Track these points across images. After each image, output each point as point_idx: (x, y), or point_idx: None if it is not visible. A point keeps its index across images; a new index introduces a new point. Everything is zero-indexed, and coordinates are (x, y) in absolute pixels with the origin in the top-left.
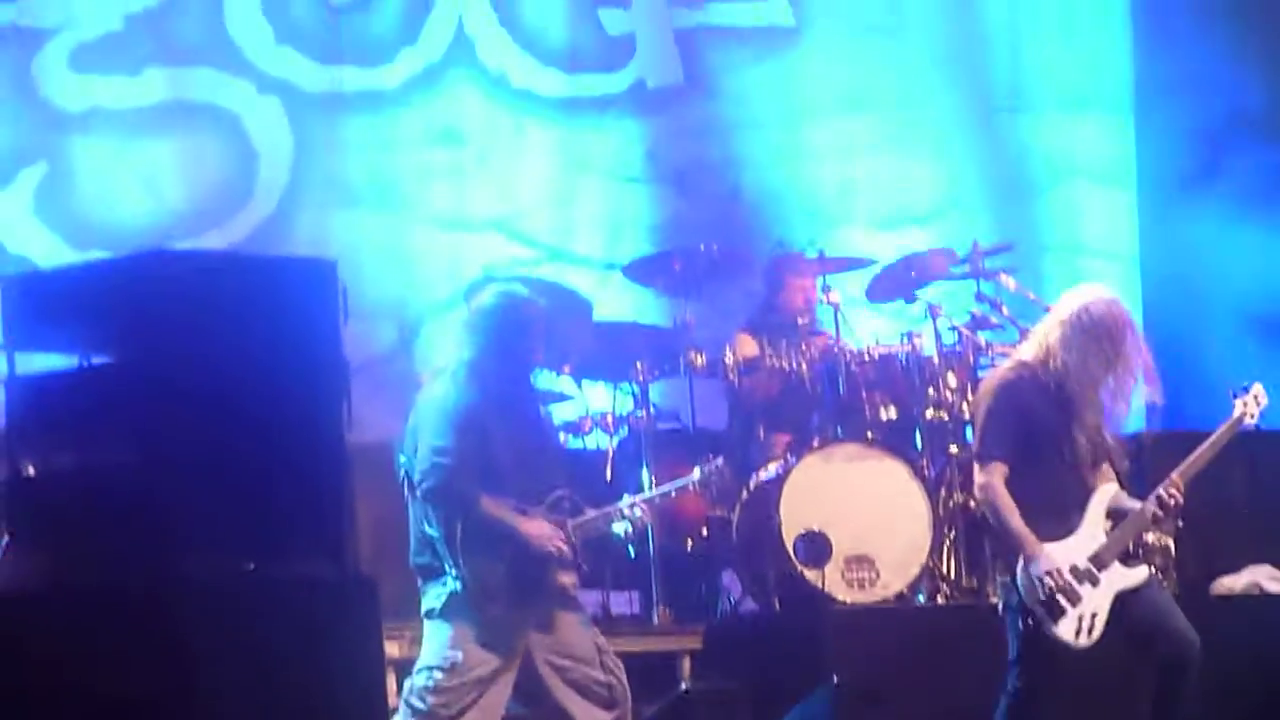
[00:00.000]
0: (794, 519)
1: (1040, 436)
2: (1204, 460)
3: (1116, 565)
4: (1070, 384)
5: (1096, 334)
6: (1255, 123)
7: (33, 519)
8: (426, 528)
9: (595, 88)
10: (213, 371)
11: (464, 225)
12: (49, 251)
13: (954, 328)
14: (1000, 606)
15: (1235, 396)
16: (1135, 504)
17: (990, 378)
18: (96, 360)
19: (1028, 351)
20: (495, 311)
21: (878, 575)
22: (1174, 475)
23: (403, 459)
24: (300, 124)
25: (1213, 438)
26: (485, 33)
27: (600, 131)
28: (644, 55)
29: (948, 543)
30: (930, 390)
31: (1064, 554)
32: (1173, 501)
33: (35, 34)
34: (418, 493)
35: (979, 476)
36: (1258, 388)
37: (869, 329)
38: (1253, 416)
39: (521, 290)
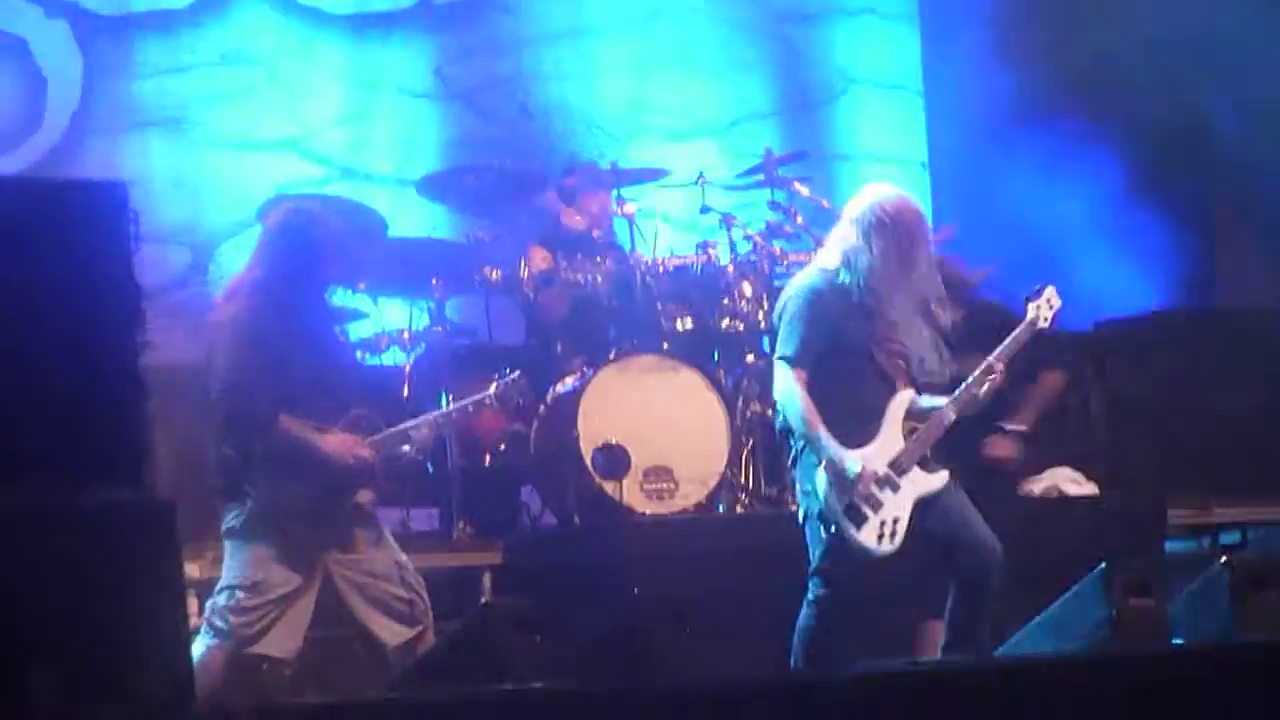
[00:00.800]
0: (592, 432)
1: (841, 342)
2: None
3: (917, 471)
4: (870, 285)
5: (893, 230)
6: None
7: None
8: (224, 448)
9: (383, 4)
10: (1, 297)
11: (256, 146)
12: None
13: (748, 237)
14: (801, 515)
15: (1028, 300)
16: (936, 404)
17: (791, 284)
18: None
19: (826, 257)
20: (284, 230)
21: (676, 486)
22: (969, 380)
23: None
24: (90, 47)
25: (1007, 340)
26: None
27: (389, 48)
28: None
29: (745, 452)
30: (725, 300)
31: (866, 460)
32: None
33: None
34: (215, 414)
35: (779, 381)
36: (1049, 290)
37: (664, 241)
38: (1045, 320)
39: (311, 207)
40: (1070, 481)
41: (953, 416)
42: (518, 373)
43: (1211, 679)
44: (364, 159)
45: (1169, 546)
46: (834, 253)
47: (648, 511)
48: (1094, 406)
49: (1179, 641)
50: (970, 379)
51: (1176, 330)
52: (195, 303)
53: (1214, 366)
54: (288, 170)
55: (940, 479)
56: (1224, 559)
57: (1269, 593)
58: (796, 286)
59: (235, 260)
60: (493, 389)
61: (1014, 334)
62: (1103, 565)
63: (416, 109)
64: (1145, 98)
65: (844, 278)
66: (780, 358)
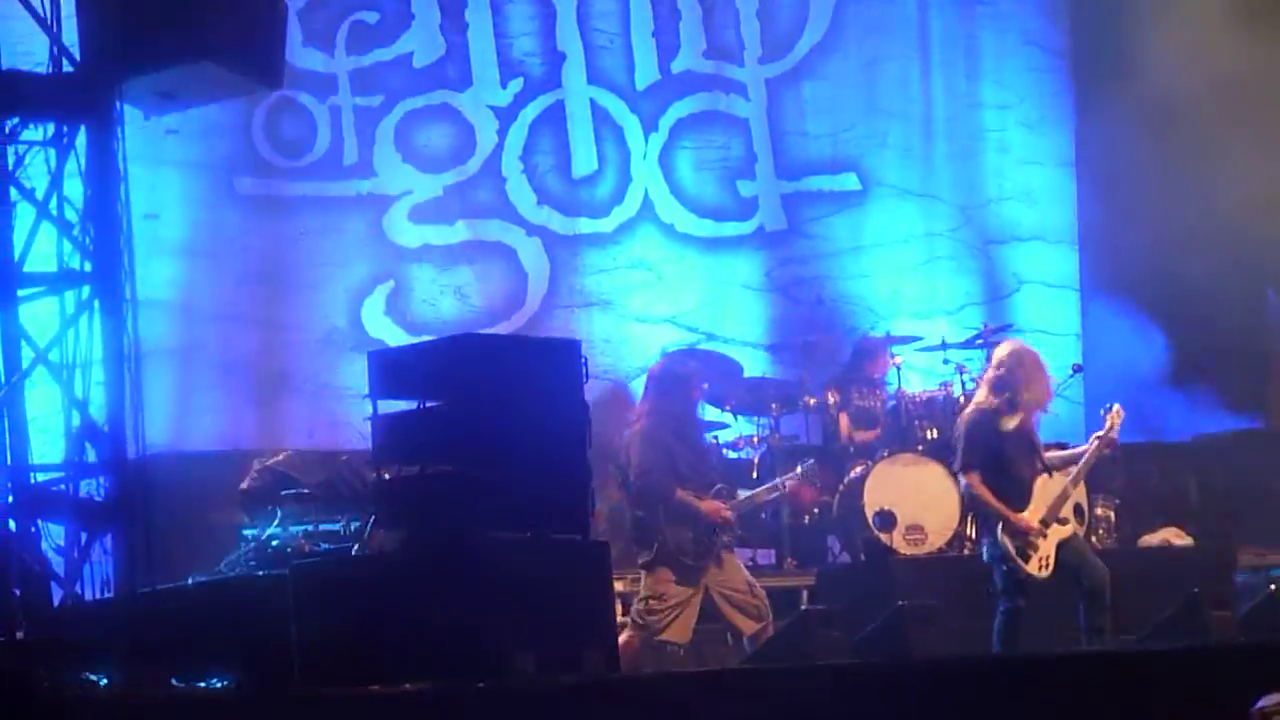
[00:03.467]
0: (872, 501)
1: (996, 449)
2: (1092, 459)
3: (1055, 525)
4: (1009, 408)
5: (1021, 368)
6: None
7: (389, 505)
8: (638, 512)
9: (732, 230)
10: (503, 411)
11: (651, 319)
12: (394, 338)
13: (973, 379)
14: (985, 557)
15: (1103, 413)
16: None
17: (963, 415)
18: (429, 404)
19: (980, 394)
20: (666, 372)
21: (926, 537)
22: (1075, 470)
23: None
24: (553, 254)
25: (1097, 439)
26: (661, 198)
27: (736, 257)
28: (763, 209)
29: (970, 515)
30: (956, 419)
31: (1025, 520)
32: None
33: (386, 199)
34: (631, 492)
35: (963, 479)
36: (1117, 406)
37: (917, 381)
38: (1114, 428)
39: (685, 356)
40: (1175, 536)
41: (1071, 491)
42: (812, 459)
43: (1259, 662)
44: (719, 328)
45: (1239, 578)
46: (983, 389)
47: (908, 553)
48: (1190, 488)
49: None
50: (1081, 466)
51: (1242, 440)
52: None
53: (1270, 463)
54: (669, 335)
55: (1069, 529)
56: (1273, 585)
57: None
58: (964, 418)
59: (638, 392)
60: (798, 469)
61: (1103, 433)
62: (1196, 590)
63: (752, 297)
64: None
65: (989, 407)
66: (961, 465)
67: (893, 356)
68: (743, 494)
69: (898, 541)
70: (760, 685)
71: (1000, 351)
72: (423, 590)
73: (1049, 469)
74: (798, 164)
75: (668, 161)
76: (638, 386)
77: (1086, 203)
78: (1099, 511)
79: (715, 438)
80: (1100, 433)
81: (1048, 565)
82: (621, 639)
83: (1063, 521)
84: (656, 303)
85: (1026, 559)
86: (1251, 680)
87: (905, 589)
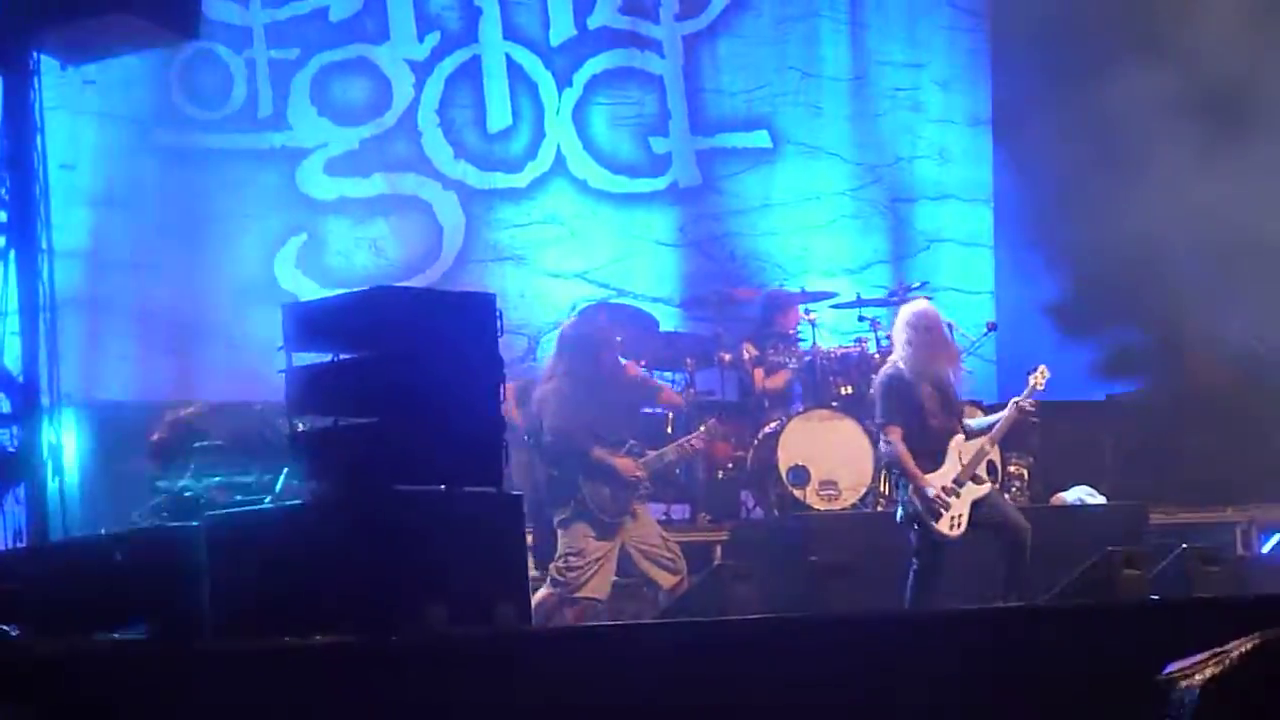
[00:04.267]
0: (786, 458)
1: (914, 407)
2: (1011, 419)
3: (969, 484)
4: (918, 371)
5: (927, 333)
6: None
7: (303, 458)
8: (552, 471)
9: (645, 187)
10: (417, 365)
11: (563, 275)
12: (307, 291)
13: (886, 336)
14: (899, 516)
15: (1029, 374)
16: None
17: (881, 372)
18: (343, 357)
19: (894, 354)
20: (578, 329)
21: (840, 493)
22: (992, 432)
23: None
24: (469, 209)
25: (1024, 395)
26: (575, 154)
27: (649, 215)
28: (677, 166)
29: (884, 473)
30: (872, 375)
31: (938, 480)
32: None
33: (301, 151)
34: (546, 451)
35: (883, 435)
36: (1042, 367)
37: (831, 338)
38: (1041, 387)
39: (598, 314)
40: (1088, 495)
41: (989, 450)
42: (713, 419)
43: (1168, 622)
44: (632, 283)
45: (1151, 538)
46: (895, 348)
47: (821, 508)
48: (1104, 447)
49: (1155, 598)
50: (998, 428)
51: (1155, 401)
52: (530, 374)
53: (1182, 423)
54: (582, 290)
55: (985, 488)
56: (1184, 546)
57: (1214, 568)
58: (881, 375)
59: (549, 346)
60: (701, 429)
61: (1026, 392)
62: (1108, 549)
63: (665, 253)
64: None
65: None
66: (881, 421)
67: (808, 313)
68: (652, 453)
69: (811, 497)
70: (675, 639)
71: (903, 315)
72: (335, 543)
73: (965, 430)
74: (711, 121)
75: (582, 117)
76: (549, 343)
77: (1002, 161)
78: (1012, 469)
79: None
80: (1021, 395)
81: (959, 524)
82: (539, 596)
83: (979, 480)
84: (569, 258)
85: (937, 518)
86: (1161, 640)
87: (818, 545)
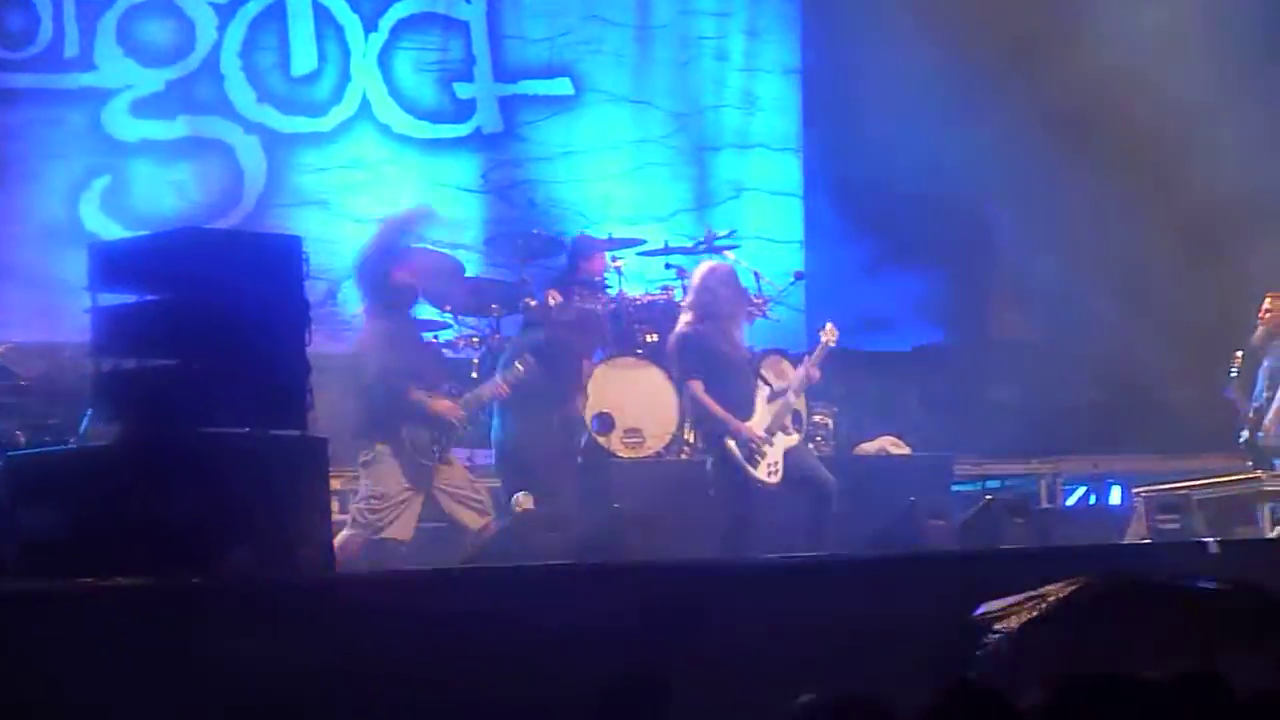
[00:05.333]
0: (591, 405)
1: (715, 360)
2: (806, 377)
3: (780, 433)
4: (713, 329)
5: (716, 290)
6: None
7: (107, 399)
8: (365, 413)
9: (449, 133)
10: (223, 306)
11: (366, 219)
12: (112, 233)
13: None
14: (710, 464)
15: (820, 330)
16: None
17: (676, 329)
18: (148, 298)
19: (686, 313)
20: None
21: (645, 440)
22: (795, 382)
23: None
24: (271, 153)
25: (815, 354)
26: (380, 99)
27: (453, 160)
28: (481, 112)
29: (689, 421)
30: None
31: (749, 429)
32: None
33: (106, 92)
34: (363, 393)
35: (687, 389)
36: (830, 325)
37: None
38: (833, 342)
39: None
40: (893, 445)
41: (794, 401)
42: (529, 358)
43: (974, 572)
44: (436, 230)
45: (955, 488)
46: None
47: (626, 456)
48: (909, 398)
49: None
50: (801, 379)
51: (961, 352)
52: (330, 318)
53: (988, 374)
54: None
55: (795, 437)
56: (989, 497)
57: (1019, 519)
58: (676, 329)
59: (352, 292)
60: (519, 366)
61: (817, 351)
62: (912, 499)
63: (469, 199)
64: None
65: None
66: (680, 375)
67: (614, 259)
68: (470, 395)
69: (616, 444)
70: (481, 584)
71: (697, 274)
72: (138, 485)
73: (768, 382)
74: (515, 67)
75: (387, 62)
76: (351, 288)
77: (812, 111)
78: (817, 419)
79: (435, 336)
80: (813, 355)
81: (776, 471)
82: (341, 537)
83: (786, 430)
84: (373, 203)
85: (755, 465)
86: (966, 589)
87: (623, 492)
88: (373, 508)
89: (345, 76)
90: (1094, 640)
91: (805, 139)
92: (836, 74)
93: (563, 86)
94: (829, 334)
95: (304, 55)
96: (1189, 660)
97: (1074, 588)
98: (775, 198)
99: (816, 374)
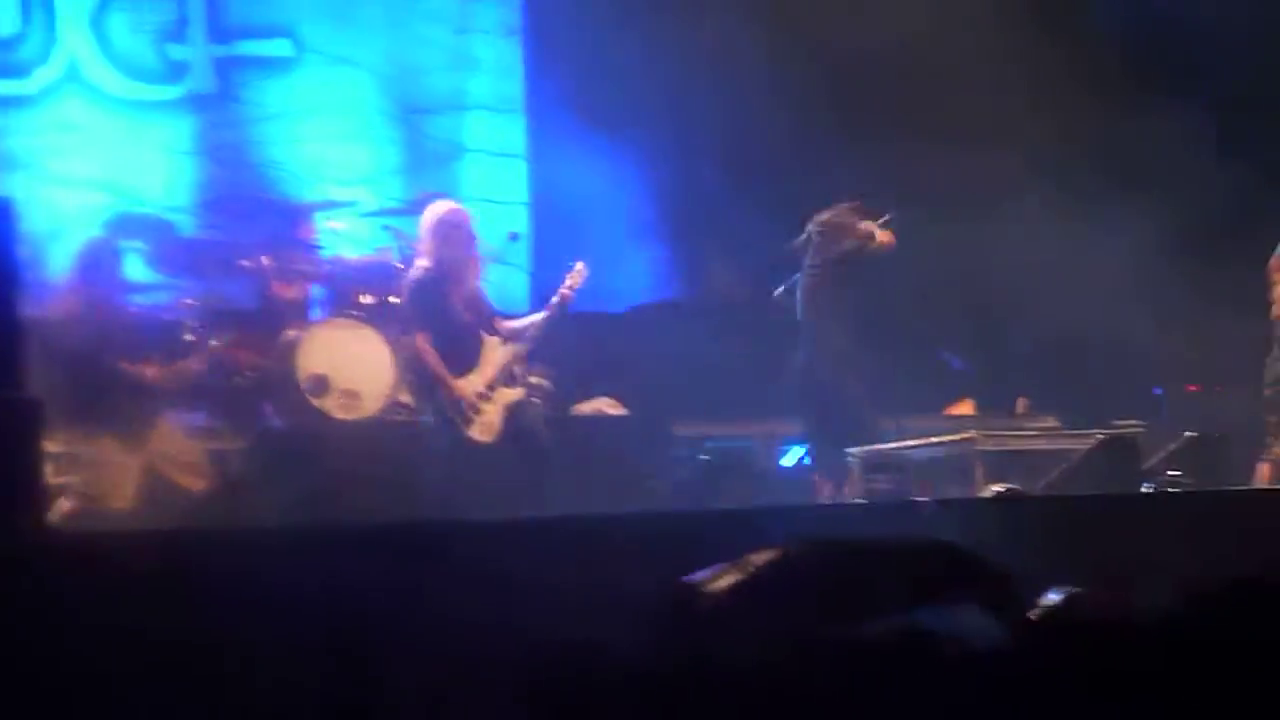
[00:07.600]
0: (306, 366)
1: (442, 312)
2: (545, 321)
3: (501, 389)
4: (445, 274)
5: (454, 232)
6: None
7: None
8: (85, 381)
9: (164, 96)
10: None
11: (76, 184)
12: None
13: (411, 245)
14: (426, 420)
15: (567, 273)
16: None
17: (406, 279)
18: None
19: (418, 260)
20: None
21: (361, 401)
22: (527, 332)
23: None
24: None
25: (555, 301)
26: (90, 59)
27: (165, 122)
28: (194, 73)
29: (405, 382)
30: (394, 284)
31: (469, 386)
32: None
33: None
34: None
35: (414, 343)
36: (580, 265)
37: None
38: (578, 283)
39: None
40: (609, 406)
41: (522, 354)
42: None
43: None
44: (148, 192)
45: (673, 451)
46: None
47: (342, 417)
48: (627, 359)
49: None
50: (537, 326)
51: (681, 313)
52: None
53: (705, 335)
54: (96, 199)
55: (517, 393)
56: (705, 458)
57: (733, 480)
58: (403, 283)
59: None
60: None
61: (559, 295)
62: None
63: (182, 161)
64: None
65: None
66: (407, 327)
67: (329, 221)
68: (180, 363)
69: (332, 406)
70: (194, 546)
71: (427, 216)
72: None
73: (499, 332)
74: (231, 28)
75: (98, 22)
76: (56, 252)
77: (538, 71)
78: (533, 380)
79: (147, 300)
80: (561, 291)
81: (493, 429)
82: (58, 506)
83: (510, 385)
84: (83, 166)
85: (470, 423)
86: (678, 549)
87: (340, 454)
88: (86, 477)
89: (53, 37)
90: (799, 605)
91: (532, 99)
92: (563, 34)
93: (281, 48)
94: (576, 274)
95: (7, 16)
96: (889, 619)
97: (777, 554)
98: (497, 159)
99: (565, 299)
